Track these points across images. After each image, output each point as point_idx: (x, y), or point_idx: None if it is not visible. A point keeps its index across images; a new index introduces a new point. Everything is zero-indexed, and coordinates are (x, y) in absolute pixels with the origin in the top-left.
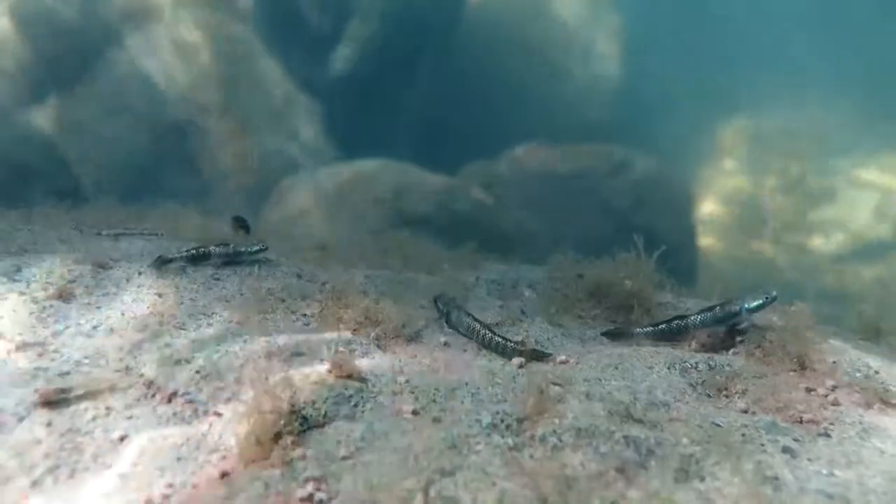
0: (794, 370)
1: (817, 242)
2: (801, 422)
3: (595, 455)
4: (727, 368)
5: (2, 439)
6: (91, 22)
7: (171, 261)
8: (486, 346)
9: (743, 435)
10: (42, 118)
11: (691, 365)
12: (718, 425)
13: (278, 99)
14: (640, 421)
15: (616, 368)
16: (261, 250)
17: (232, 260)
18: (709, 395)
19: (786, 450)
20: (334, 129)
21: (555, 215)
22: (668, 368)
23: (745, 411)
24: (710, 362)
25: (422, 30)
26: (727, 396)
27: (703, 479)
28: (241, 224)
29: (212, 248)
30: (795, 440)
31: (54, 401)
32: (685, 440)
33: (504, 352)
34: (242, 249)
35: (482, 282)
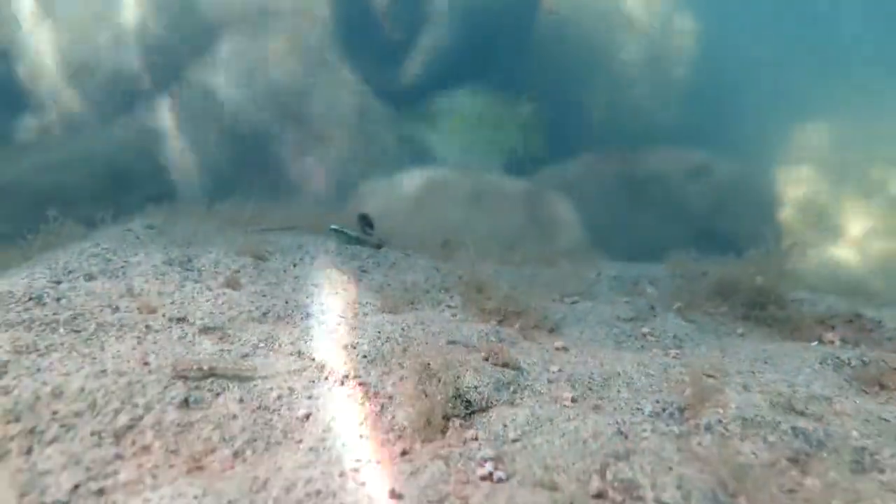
0: None
1: None
2: None
3: (764, 444)
4: (882, 364)
5: (203, 414)
6: (178, 35)
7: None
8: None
9: None
10: (137, 126)
11: (844, 360)
12: (886, 420)
13: (354, 106)
14: (802, 413)
15: (765, 363)
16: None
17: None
18: (865, 391)
19: None
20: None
21: (631, 220)
22: (821, 363)
23: None
24: (864, 358)
25: (494, 37)
26: (886, 392)
27: (882, 471)
28: (366, 222)
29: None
30: None
31: (188, 376)
32: (854, 433)
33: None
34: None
35: (603, 277)
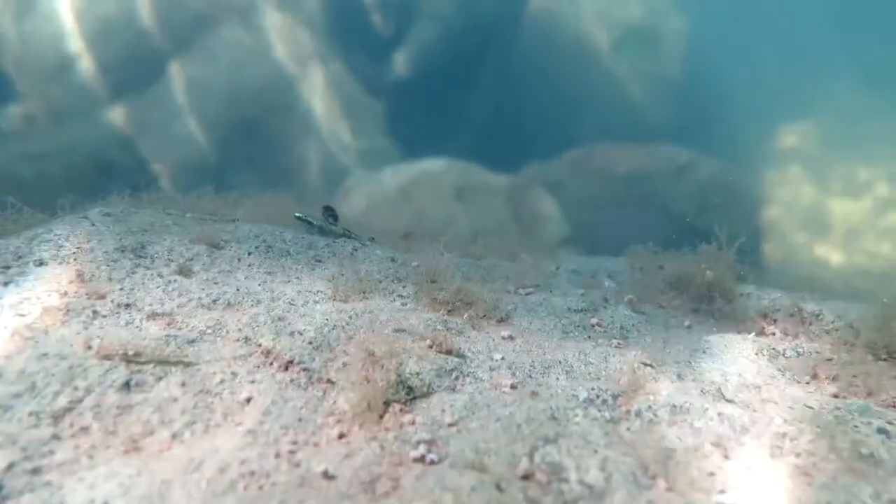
0: (885, 358)
1: (888, 249)
2: (894, 406)
3: (690, 430)
4: (815, 355)
5: (143, 397)
6: (164, 26)
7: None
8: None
9: (836, 417)
10: (119, 117)
11: (779, 351)
12: (811, 407)
13: (343, 100)
14: (731, 401)
15: (704, 353)
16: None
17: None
18: (797, 381)
19: (880, 430)
20: (397, 129)
21: (615, 217)
22: (757, 354)
23: (836, 395)
24: (798, 349)
25: (483, 33)
26: (817, 381)
27: (798, 455)
28: (330, 213)
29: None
30: (889, 423)
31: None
32: (778, 419)
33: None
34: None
35: (562, 271)
